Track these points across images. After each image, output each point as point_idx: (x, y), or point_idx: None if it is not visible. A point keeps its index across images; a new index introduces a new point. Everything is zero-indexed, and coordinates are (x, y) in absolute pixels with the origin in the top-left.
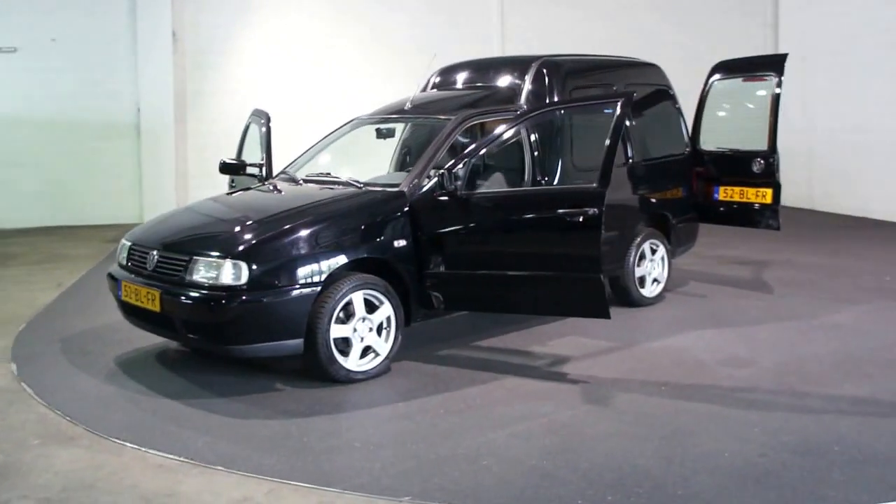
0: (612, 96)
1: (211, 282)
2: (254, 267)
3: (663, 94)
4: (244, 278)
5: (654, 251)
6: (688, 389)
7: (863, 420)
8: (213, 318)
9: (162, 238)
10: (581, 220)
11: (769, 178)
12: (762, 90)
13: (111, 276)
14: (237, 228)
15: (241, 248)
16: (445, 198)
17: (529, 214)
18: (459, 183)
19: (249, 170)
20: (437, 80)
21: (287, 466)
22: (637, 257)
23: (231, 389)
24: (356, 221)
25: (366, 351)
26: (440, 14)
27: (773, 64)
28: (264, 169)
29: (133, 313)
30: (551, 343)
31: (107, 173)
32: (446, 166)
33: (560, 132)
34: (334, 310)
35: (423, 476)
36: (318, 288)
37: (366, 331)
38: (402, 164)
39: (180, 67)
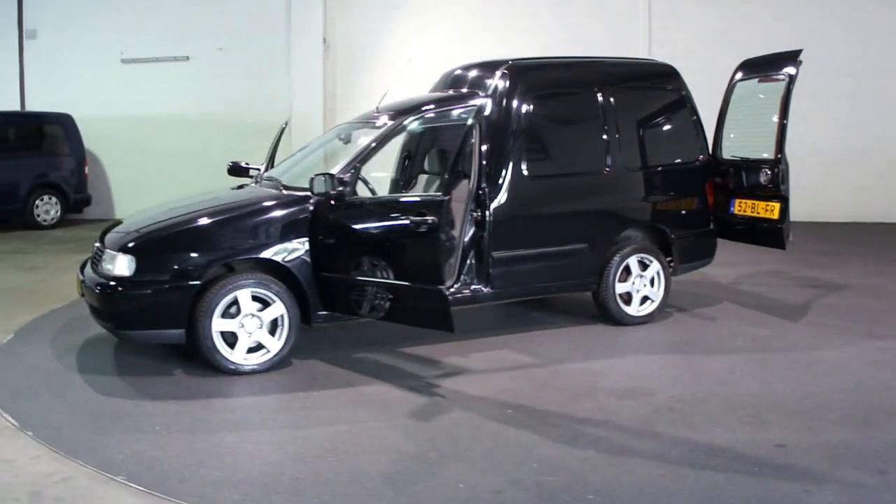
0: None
1: (109, 273)
2: (140, 260)
3: (673, 97)
4: (132, 270)
5: (645, 266)
6: (532, 415)
7: (670, 470)
8: (107, 305)
9: (105, 233)
10: (424, 228)
11: (776, 190)
12: (776, 92)
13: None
14: (143, 224)
15: (131, 242)
16: (334, 203)
17: (386, 222)
18: (346, 189)
19: (252, 172)
20: (438, 83)
21: (83, 446)
22: (618, 272)
23: (131, 370)
24: (250, 223)
25: (261, 346)
26: (588, 15)
27: (785, 62)
28: (262, 172)
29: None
30: (474, 356)
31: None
32: (335, 173)
33: (431, 137)
34: (217, 305)
35: (145, 461)
36: (198, 283)
37: (254, 327)
38: (402, 168)
39: (330, 72)
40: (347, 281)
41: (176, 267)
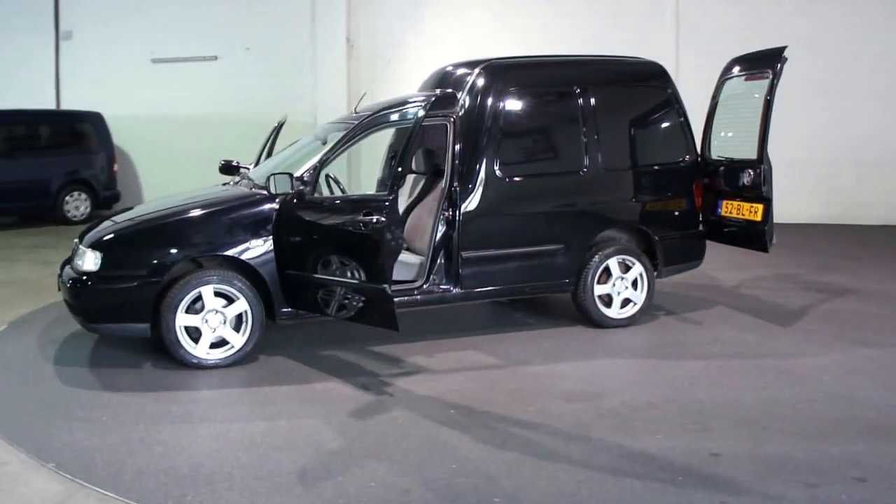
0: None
1: (79, 268)
2: (105, 256)
3: (659, 97)
4: (97, 266)
5: (627, 268)
6: (472, 416)
7: (589, 476)
8: (76, 300)
9: (87, 231)
10: (369, 228)
11: (759, 191)
12: (759, 91)
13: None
14: (116, 222)
15: (98, 239)
16: (296, 202)
17: (339, 222)
18: (306, 188)
19: (242, 171)
20: (426, 83)
21: (28, 433)
22: (596, 273)
23: (103, 362)
24: (215, 221)
25: (225, 341)
26: (609, 15)
27: (769, 60)
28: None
29: None
30: (439, 355)
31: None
32: (299, 173)
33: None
34: (181, 300)
35: (81, 449)
36: (161, 279)
37: (217, 322)
38: (389, 168)
39: (354, 71)
40: (302, 278)
41: (140, 263)
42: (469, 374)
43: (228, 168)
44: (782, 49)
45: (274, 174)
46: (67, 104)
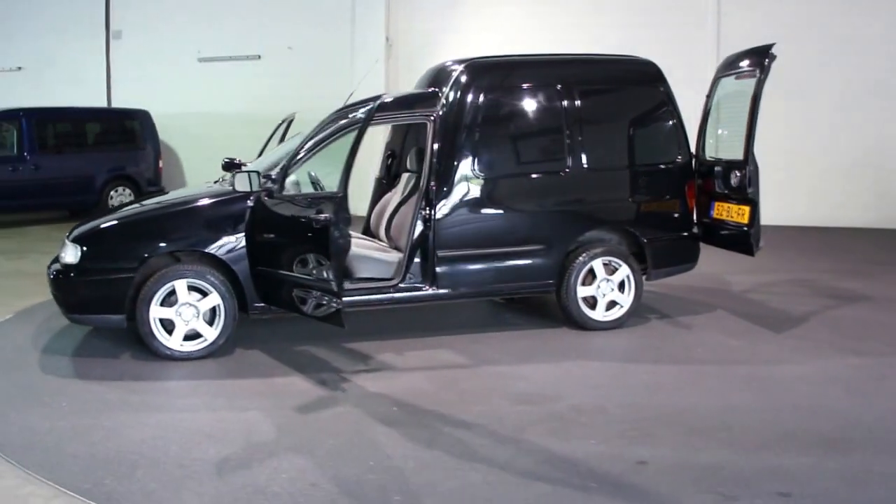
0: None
1: (62, 260)
2: (85, 250)
3: (650, 96)
4: (77, 259)
5: (614, 270)
6: (414, 415)
7: (502, 479)
8: (58, 291)
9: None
10: (320, 225)
11: (745, 193)
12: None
13: None
14: (103, 217)
15: (80, 233)
16: (265, 200)
17: (298, 219)
18: (273, 186)
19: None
20: (419, 81)
21: None
22: (580, 275)
23: (87, 352)
24: (189, 218)
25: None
26: (647, 13)
27: (757, 57)
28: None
29: None
30: (409, 353)
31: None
32: (271, 172)
33: (413, 136)
34: (155, 293)
35: (29, 434)
36: (135, 272)
37: (190, 315)
38: (387, 167)
39: (393, 70)
40: (269, 275)
41: (116, 257)
42: (430, 373)
43: (230, 166)
44: (770, 46)
45: (238, 172)
46: (118, 102)
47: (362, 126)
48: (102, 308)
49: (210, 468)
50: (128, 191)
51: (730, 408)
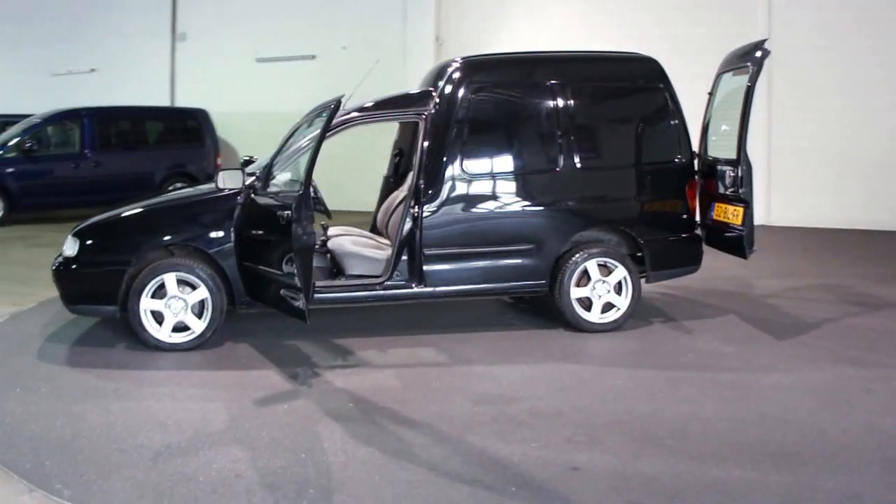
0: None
1: (62, 253)
2: (83, 243)
3: (649, 93)
4: (75, 252)
5: (609, 271)
6: (368, 412)
7: (425, 478)
8: (57, 282)
9: None
10: (284, 222)
11: (737, 193)
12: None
13: None
14: (106, 213)
15: (80, 227)
16: (252, 197)
17: (270, 216)
18: (256, 184)
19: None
20: (423, 79)
21: None
22: (573, 276)
23: (88, 341)
24: (180, 214)
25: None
26: (695, 11)
27: (750, 53)
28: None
29: None
30: (391, 351)
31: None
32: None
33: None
34: (146, 286)
35: None
36: (126, 265)
37: (179, 308)
38: (395, 167)
39: None
40: (247, 269)
41: (108, 250)
42: (403, 371)
43: (248, 164)
44: (762, 42)
45: (223, 170)
46: (181, 101)
47: (325, 126)
48: (97, 299)
49: (149, 455)
50: (184, 187)
51: (694, 416)
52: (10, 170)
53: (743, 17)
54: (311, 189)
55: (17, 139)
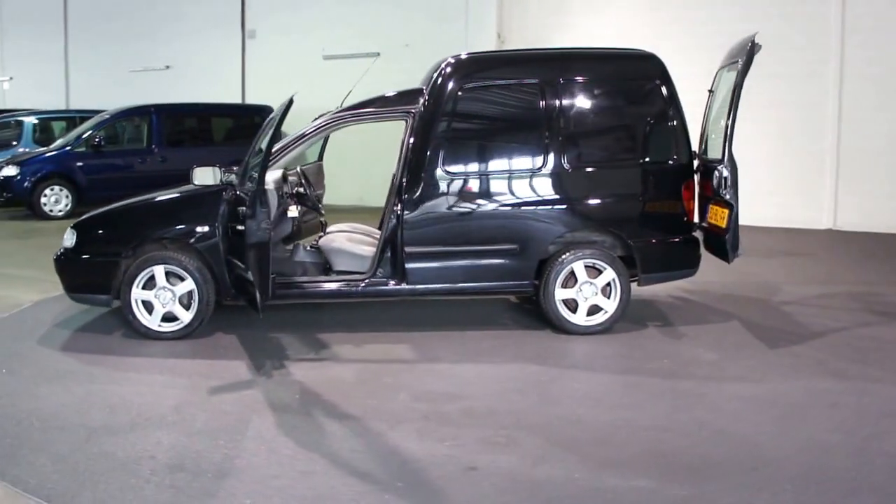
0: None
1: (63, 244)
2: (79, 234)
3: (646, 91)
4: (73, 243)
5: (598, 273)
6: (310, 404)
7: (322, 469)
8: (58, 271)
9: None
10: (243, 218)
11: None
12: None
13: None
14: (106, 206)
15: (79, 219)
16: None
17: (238, 212)
18: (234, 181)
19: None
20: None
21: None
22: (559, 277)
23: (90, 328)
24: (170, 210)
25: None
26: (757, 6)
27: (741, 48)
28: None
29: None
30: (367, 347)
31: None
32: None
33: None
34: (136, 277)
35: None
36: (119, 257)
37: (167, 298)
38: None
39: None
40: (231, 264)
41: (101, 242)
42: (364, 366)
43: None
44: (751, 37)
45: (197, 167)
46: (251, 98)
47: (278, 122)
48: (92, 288)
49: (84, 434)
50: None
51: (627, 423)
52: (79, 164)
53: (814, 12)
54: (303, 187)
55: (87, 134)
